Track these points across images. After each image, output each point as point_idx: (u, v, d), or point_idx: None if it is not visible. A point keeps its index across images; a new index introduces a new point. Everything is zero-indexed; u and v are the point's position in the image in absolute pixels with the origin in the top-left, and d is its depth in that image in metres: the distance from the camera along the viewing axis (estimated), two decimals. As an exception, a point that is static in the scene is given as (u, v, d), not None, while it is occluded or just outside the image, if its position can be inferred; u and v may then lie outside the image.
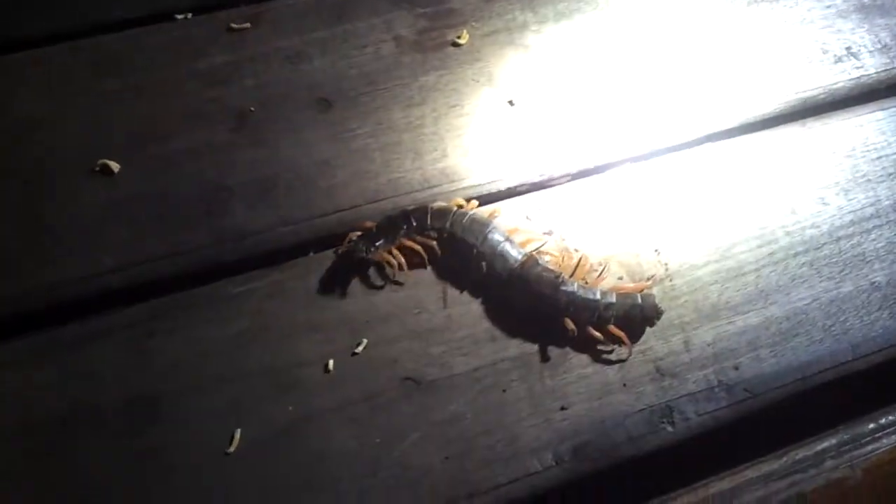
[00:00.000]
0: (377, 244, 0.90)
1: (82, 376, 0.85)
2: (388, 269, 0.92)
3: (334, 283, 0.91)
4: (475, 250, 0.91)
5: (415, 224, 0.92)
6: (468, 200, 0.95)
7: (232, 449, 0.81)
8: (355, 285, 0.91)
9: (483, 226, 0.92)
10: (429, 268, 0.93)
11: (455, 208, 0.93)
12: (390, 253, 0.91)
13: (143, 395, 0.84)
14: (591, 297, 0.88)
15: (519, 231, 0.95)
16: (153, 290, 0.90)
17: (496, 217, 0.95)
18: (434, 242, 0.92)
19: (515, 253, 0.91)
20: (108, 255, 0.92)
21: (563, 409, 0.86)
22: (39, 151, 0.97)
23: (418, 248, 0.92)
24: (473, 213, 0.93)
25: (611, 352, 0.89)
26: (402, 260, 0.91)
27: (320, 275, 0.92)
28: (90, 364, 0.85)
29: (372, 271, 0.92)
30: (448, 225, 0.92)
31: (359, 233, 0.92)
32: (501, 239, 0.92)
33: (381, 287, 0.91)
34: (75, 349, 0.86)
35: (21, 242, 0.92)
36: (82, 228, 0.93)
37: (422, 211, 0.92)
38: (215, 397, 0.84)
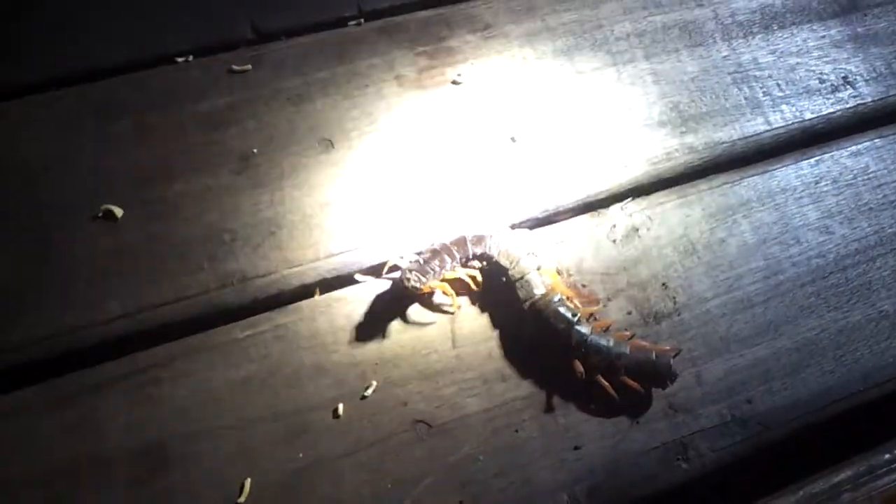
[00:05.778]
0: (427, 275, 0.90)
1: (89, 425, 0.84)
2: (438, 300, 0.92)
3: (346, 324, 0.91)
4: (504, 277, 0.92)
5: (458, 255, 0.92)
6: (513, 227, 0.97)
7: (242, 499, 0.80)
8: (362, 327, 0.91)
9: (518, 251, 0.92)
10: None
11: (493, 233, 0.94)
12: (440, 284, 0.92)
13: (150, 444, 0.83)
14: (603, 342, 0.87)
15: (548, 264, 0.95)
16: (159, 336, 0.89)
17: (529, 241, 0.95)
18: (477, 272, 0.93)
19: (540, 283, 0.91)
20: (112, 301, 0.91)
21: (576, 448, 0.85)
22: (42, 197, 0.97)
23: (466, 278, 0.92)
24: (511, 238, 0.94)
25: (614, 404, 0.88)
26: (452, 291, 0.92)
27: (327, 317, 0.91)
28: (96, 412, 0.84)
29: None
30: (487, 248, 0.92)
31: (397, 262, 0.92)
32: (531, 268, 0.91)
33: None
34: (81, 397, 0.85)
35: (25, 290, 0.91)
36: (86, 275, 0.92)
37: (461, 241, 0.92)
38: (224, 444, 0.83)
